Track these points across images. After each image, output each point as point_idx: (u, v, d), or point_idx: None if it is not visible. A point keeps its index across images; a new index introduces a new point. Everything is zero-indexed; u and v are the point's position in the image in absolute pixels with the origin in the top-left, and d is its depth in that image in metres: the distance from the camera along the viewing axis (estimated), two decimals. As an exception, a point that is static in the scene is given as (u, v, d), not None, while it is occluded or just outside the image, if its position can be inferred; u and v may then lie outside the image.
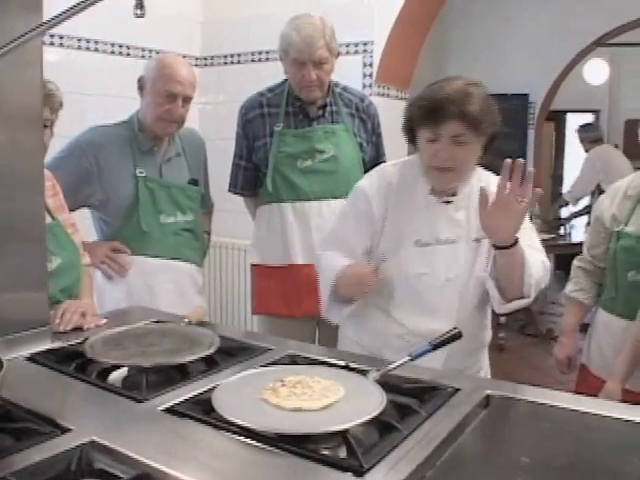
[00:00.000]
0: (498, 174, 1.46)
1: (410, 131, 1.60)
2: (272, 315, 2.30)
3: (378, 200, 1.64)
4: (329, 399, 1.07)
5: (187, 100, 2.11)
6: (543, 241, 5.18)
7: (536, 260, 1.56)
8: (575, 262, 2.10)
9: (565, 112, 8.45)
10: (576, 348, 2.09)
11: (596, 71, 7.29)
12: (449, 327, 1.45)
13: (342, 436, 0.99)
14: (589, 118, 7.59)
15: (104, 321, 1.64)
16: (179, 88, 2.05)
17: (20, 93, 1.36)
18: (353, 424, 1.00)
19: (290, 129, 2.23)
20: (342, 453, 0.98)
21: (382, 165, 1.79)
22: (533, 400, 1.20)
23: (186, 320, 1.60)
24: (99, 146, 2.07)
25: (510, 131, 6.68)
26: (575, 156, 7.41)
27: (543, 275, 1.59)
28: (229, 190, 2.38)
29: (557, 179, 8.32)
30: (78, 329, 1.57)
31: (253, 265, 2.37)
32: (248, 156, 2.30)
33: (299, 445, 0.98)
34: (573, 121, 8.75)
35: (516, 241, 1.47)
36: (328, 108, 2.26)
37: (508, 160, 1.40)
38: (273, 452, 0.97)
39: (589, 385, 1.94)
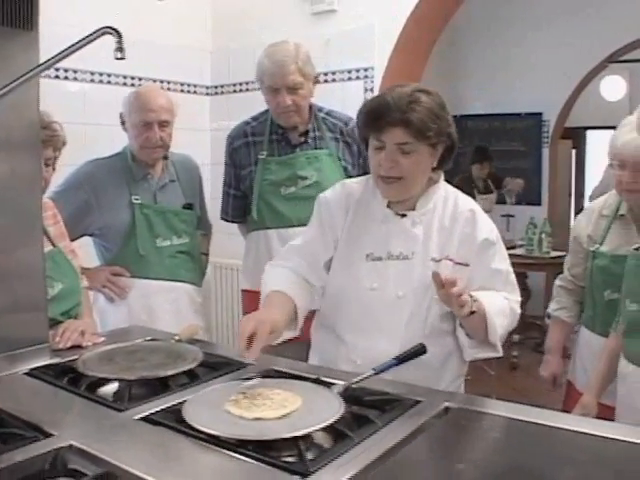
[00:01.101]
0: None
1: (364, 140, 1.58)
2: None
3: (338, 210, 1.63)
4: (287, 409, 1.16)
5: (164, 124, 2.22)
6: (554, 258, 5.12)
7: (501, 310, 1.53)
8: (557, 281, 2.16)
9: (585, 129, 8.44)
10: (561, 366, 2.14)
11: (613, 87, 7.30)
12: (396, 347, 1.47)
13: (295, 442, 1.08)
14: (609, 135, 7.57)
15: (102, 339, 1.74)
16: (152, 116, 2.18)
17: (19, 129, 1.50)
18: (306, 431, 1.09)
19: (274, 157, 2.28)
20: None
21: (347, 180, 1.77)
22: (490, 412, 1.26)
23: (176, 337, 1.71)
24: (95, 178, 2.22)
25: (524, 150, 6.70)
26: (597, 170, 7.38)
27: (510, 323, 1.56)
28: (221, 218, 2.45)
29: (578, 194, 8.30)
30: (77, 347, 1.66)
31: (243, 291, 2.44)
32: (237, 184, 2.38)
33: (260, 451, 1.06)
34: (593, 138, 8.72)
35: (472, 312, 1.44)
36: (311, 134, 2.30)
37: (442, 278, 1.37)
38: (233, 457, 1.06)
39: (575, 401, 1.97)
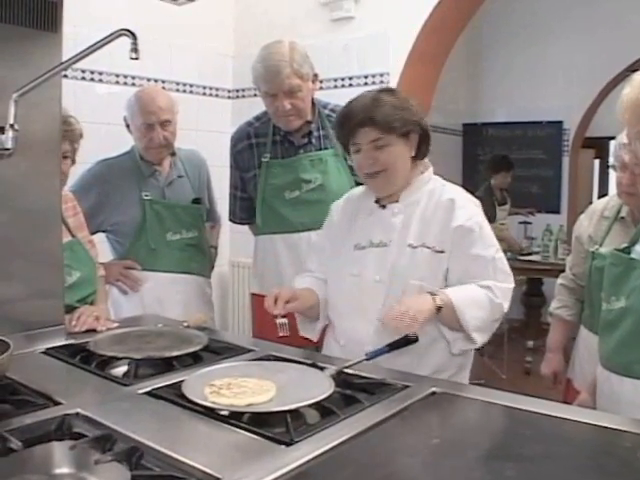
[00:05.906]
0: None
1: (346, 150, 1.72)
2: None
3: (337, 213, 1.82)
4: (271, 392, 1.21)
5: (166, 123, 2.28)
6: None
7: (475, 301, 1.57)
8: (559, 280, 2.20)
9: (610, 138, 8.37)
10: (561, 363, 2.17)
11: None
12: (374, 329, 1.58)
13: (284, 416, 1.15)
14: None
15: (116, 324, 1.84)
16: (153, 118, 2.25)
17: (41, 126, 1.60)
18: (295, 406, 1.16)
19: (277, 159, 2.22)
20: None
21: (356, 188, 1.88)
22: (474, 397, 1.33)
23: (185, 324, 1.80)
24: (106, 178, 2.32)
25: (545, 158, 6.64)
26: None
27: (489, 313, 1.59)
28: (229, 219, 2.45)
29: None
30: (92, 331, 1.76)
31: (252, 294, 2.42)
32: (242, 186, 2.33)
33: (251, 424, 1.14)
34: (617, 147, 8.62)
35: (439, 309, 1.53)
36: (315, 133, 2.22)
37: None
38: (227, 428, 1.14)
39: (572, 398, 2.01)
